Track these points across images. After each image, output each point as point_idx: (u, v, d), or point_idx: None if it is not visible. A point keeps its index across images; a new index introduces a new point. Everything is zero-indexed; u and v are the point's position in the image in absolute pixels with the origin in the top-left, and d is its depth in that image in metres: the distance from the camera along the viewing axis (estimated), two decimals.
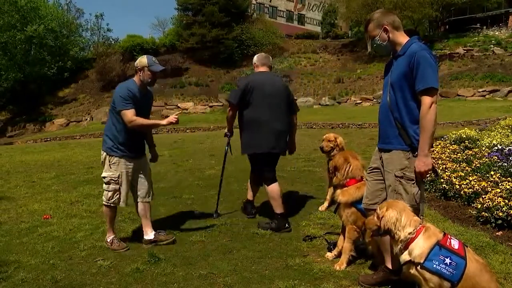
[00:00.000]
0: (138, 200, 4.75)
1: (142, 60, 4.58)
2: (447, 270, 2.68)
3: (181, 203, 6.37)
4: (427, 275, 2.72)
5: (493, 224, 4.76)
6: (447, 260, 2.70)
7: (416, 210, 3.16)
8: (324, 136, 5.72)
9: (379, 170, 3.44)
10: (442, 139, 9.88)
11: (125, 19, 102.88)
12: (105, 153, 4.61)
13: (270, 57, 5.58)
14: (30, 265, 4.19)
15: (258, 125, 5.13)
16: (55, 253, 4.50)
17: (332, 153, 5.48)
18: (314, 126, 23.19)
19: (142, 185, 4.74)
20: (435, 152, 7.95)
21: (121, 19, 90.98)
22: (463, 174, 6.09)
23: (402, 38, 3.28)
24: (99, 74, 42.05)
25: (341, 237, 4.10)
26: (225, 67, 41.42)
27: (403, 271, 2.92)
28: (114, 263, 4.18)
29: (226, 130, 5.73)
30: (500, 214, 4.68)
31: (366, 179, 3.61)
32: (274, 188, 5.25)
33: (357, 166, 3.99)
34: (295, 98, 5.84)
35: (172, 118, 4.54)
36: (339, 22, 51.89)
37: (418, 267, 2.75)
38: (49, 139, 26.65)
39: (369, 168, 3.56)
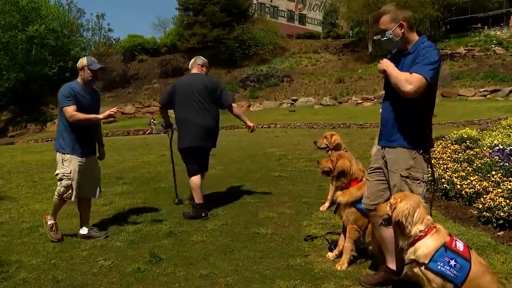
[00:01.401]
0: (84, 196, 5.03)
1: (82, 60, 4.88)
2: (451, 272, 2.67)
3: (181, 203, 6.37)
4: (431, 275, 2.71)
5: (495, 224, 4.75)
6: (452, 262, 2.69)
7: None
8: (324, 134, 5.85)
9: (381, 170, 3.42)
10: (443, 139, 9.87)
11: (126, 19, 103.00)
12: (57, 151, 4.88)
13: (202, 57, 6.07)
14: (31, 265, 4.19)
15: (187, 124, 5.73)
16: (56, 253, 4.50)
17: (328, 152, 5.51)
18: (315, 126, 23.22)
19: (91, 183, 5.01)
20: (436, 152, 7.95)
21: (122, 19, 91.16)
22: (464, 174, 6.09)
23: (415, 37, 3.26)
24: (100, 74, 42.03)
25: (342, 237, 4.10)
26: (226, 67, 41.47)
27: (405, 269, 2.91)
28: (115, 263, 4.18)
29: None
30: (502, 214, 4.67)
31: (367, 179, 3.58)
32: (195, 180, 5.81)
33: (357, 166, 4.00)
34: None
35: (108, 112, 4.82)
36: (340, 22, 51.89)
37: (422, 268, 2.74)
38: (50, 139, 26.69)
39: (370, 168, 3.54)
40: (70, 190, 4.79)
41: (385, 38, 3.25)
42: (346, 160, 3.99)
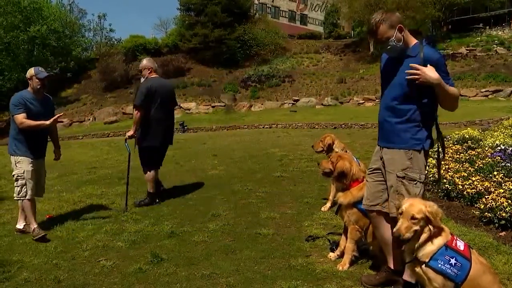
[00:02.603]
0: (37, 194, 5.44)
1: (30, 71, 5.28)
2: (451, 270, 2.67)
3: (183, 203, 6.37)
4: (431, 274, 2.71)
5: (496, 225, 4.74)
6: (452, 261, 2.68)
7: None
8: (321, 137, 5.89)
9: (380, 171, 3.43)
10: (445, 139, 9.85)
11: (127, 19, 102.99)
12: (10, 155, 5.28)
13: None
14: (33, 265, 4.20)
15: (160, 123, 6.32)
16: (58, 253, 4.52)
17: (328, 154, 5.51)
18: (316, 127, 23.17)
19: (37, 184, 5.37)
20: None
21: (123, 20, 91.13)
22: (466, 174, 6.08)
23: (412, 39, 3.27)
24: (101, 75, 42.09)
25: (343, 237, 4.10)
26: (227, 67, 41.43)
27: (407, 268, 2.90)
28: (116, 263, 4.19)
29: (132, 132, 6.38)
30: (503, 214, 4.66)
31: (367, 180, 3.58)
32: (152, 174, 6.43)
33: (358, 167, 4.00)
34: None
35: (52, 119, 5.20)
36: (342, 22, 51.82)
37: (423, 266, 2.74)
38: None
39: (369, 169, 3.54)
40: (25, 189, 5.16)
41: (389, 47, 3.23)
42: (346, 161, 3.98)
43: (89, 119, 37.09)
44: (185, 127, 28.02)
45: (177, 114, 35.76)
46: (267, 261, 4.10)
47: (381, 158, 3.39)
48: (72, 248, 4.65)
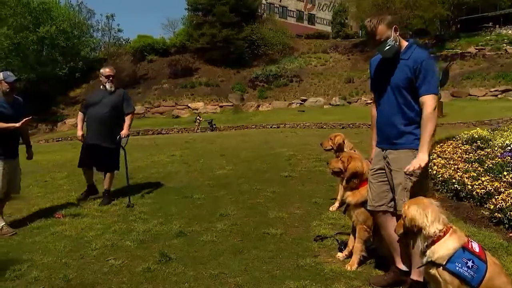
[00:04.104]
0: (9, 193, 5.60)
1: None
2: (468, 273, 2.63)
3: (192, 203, 6.38)
4: (448, 277, 2.66)
5: (506, 225, 4.71)
6: (470, 263, 2.64)
7: None
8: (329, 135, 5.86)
9: (383, 171, 3.43)
10: (454, 139, 9.80)
11: (135, 19, 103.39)
12: None
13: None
14: (43, 264, 4.22)
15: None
16: (67, 252, 4.54)
17: (338, 153, 5.47)
18: (324, 126, 23.18)
19: (15, 182, 5.63)
20: (446, 152, 7.90)
21: (131, 20, 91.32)
22: (475, 174, 6.04)
23: (403, 40, 3.33)
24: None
25: (352, 237, 4.08)
26: (235, 67, 41.47)
27: (415, 268, 2.88)
28: (125, 262, 4.20)
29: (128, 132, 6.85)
30: None
31: (370, 181, 3.57)
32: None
33: (368, 167, 3.96)
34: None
35: (21, 122, 5.37)
36: (350, 21, 51.68)
37: (440, 269, 2.70)
38: (60, 139, 26.89)
39: (373, 169, 3.54)
40: None
41: (388, 47, 3.24)
42: (358, 161, 3.96)
43: None
44: (213, 126, 28.03)
45: (186, 114, 35.92)
46: (276, 261, 4.10)
47: (385, 158, 3.40)
48: (81, 247, 4.67)
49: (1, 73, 5.50)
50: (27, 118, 5.47)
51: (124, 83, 41.07)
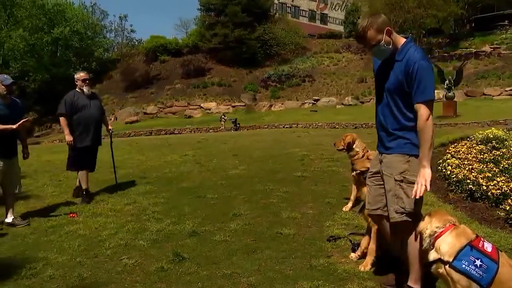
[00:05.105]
0: (7, 191, 5.86)
1: None
2: (476, 272, 2.61)
3: (205, 203, 6.40)
4: (455, 275, 2.66)
5: None
6: (478, 262, 2.63)
7: (417, 215, 3.14)
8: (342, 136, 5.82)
9: (380, 175, 3.37)
10: (468, 139, 9.71)
11: (148, 20, 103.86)
12: None
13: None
14: (58, 262, 4.27)
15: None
16: (81, 251, 4.58)
17: (349, 153, 5.46)
18: (337, 126, 23.07)
19: (11, 180, 5.82)
20: (460, 152, 7.83)
21: (144, 20, 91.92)
22: (490, 175, 5.98)
23: (400, 40, 3.19)
24: (123, 75, 42.51)
25: (366, 237, 4.06)
26: (247, 67, 41.48)
27: (431, 270, 2.87)
28: (139, 261, 4.22)
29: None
30: None
31: (368, 184, 3.51)
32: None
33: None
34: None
35: (18, 123, 5.60)
36: None
37: (447, 266, 2.70)
38: None
39: (370, 172, 3.49)
40: None
41: (380, 51, 3.15)
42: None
43: (111, 119, 37.44)
44: (238, 125, 28.01)
45: (198, 114, 36.03)
46: (289, 261, 4.09)
47: (381, 162, 3.34)
48: (95, 247, 4.71)
49: None
50: (23, 120, 5.72)
51: (137, 84, 41.39)
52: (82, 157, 6.93)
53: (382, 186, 3.33)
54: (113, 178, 7.88)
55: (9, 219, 5.72)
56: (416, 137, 3.12)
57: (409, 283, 3.27)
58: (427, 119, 2.99)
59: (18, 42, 38.30)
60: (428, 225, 2.89)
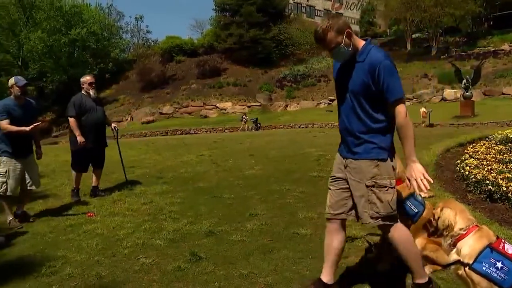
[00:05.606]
0: (24, 188, 6.02)
1: (11, 80, 5.90)
2: (497, 274, 2.57)
3: (221, 203, 6.41)
4: (476, 277, 2.62)
5: None
6: (499, 264, 2.58)
7: (393, 218, 3.11)
8: None
9: (344, 179, 3.26)
10: (487, 139, 9.58)
11: (164, 20, 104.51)
12: None
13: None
14: (76, 261, 4.32)
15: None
16: (99, 250, 4.62)
17: None
18: None
19: (28, 178, 6.00)
20: (479, 153, 7.73)
21: (160, 21, 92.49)
22: (510, 175, 5.89)
23: (360, 42, 3.13)
24: (139, 75, 42.85)
25: (382, 238, 4.02)
26: (263, 67, 41.53)
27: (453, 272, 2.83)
28: (156, 261, 4.24)
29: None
30: None
31: (329, 188, 3.39)
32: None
33: (401, 166, 3.87)
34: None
35: (31, 126, 5.71)
36: (378, 20, 51.14)
37: (467, 268, 2.66)
38: None
39: (332, 177, 3.37)
40: (6, 186, 5.73)
41: (339, 53, 3.08)
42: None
43: (127, 119, 37.80)
44: (259, 124, 27.97)
45: (214, 114, 36.17)
46: (305, 261, 4.08)
47: (345, 167, 3.24)
48: (113, 246, 4.74)
49: (13, 77, 5.95)
50: (36, 124, 5.84)
51: (153, 84, 41.65)
52: (87, 158, 7.16)
53: (346, 190, 3.24)
54: (130, 178, 7.95)
55: (10, 216, 5.86)
56: (383, 140, 3.08)
57: (416, 280, 3.22)
58: (406, 115, 2.98)
59: (36, 44, 38.92)
60: (452, 222, 2.81)
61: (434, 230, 2.96)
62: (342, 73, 3.22)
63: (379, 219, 3.09)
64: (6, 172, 5.72)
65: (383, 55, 3.01)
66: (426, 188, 2.94)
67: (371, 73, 2.98)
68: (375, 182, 3.07)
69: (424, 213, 3.63)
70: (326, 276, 3.37)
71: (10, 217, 5.79)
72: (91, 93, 7.24)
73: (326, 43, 3.04)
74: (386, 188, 3.08)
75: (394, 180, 3.16)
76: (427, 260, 3.72)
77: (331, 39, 3.01)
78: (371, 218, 3.10)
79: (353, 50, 3.08)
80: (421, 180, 2.93)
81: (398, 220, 3.18)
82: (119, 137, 8.05)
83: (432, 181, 2.98)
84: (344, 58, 3.11)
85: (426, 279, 3.21)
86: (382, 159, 3.08)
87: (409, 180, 3.00)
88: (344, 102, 3.20)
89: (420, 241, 3.79)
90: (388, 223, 3.12)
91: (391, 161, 3.16)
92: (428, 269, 3.67)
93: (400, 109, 2.97)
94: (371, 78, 2.98)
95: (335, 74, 3.35)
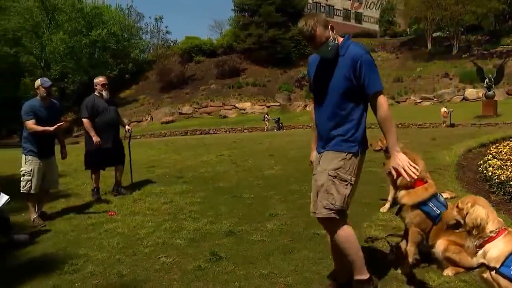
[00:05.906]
0: (44, 188, 6.10)
1: (37, 82, 6.01)
2: None
3: (241, 202, 6.41)
4: (503, 281, 2.55)
5: None
6: None
7: (343, 214, 3.13)
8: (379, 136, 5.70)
9: None
10: (511, 139, 9.41)
11: (183, 21, 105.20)
12: (22, 153, 5.96)
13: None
14: (98, 259, 4.36)
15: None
16: (120, 249, 4.66)
17: (386, 154, 5.36)
18: (372, 126, 22.62)
19: (49, 178, 6.09)
20: (503, 153, 7.60)
21: (179, 22, 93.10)
22: None
23: (339, 37, 3.15)
24: (158, 75, 43.15)
25: (404, 240, 3.96)
26: (282, 67, 41.49)
27: (476, 274, 2.77)
28: (176, 260, 4.26)
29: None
30: None
31: (312, 184, 3.35)
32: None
33: (423, 166, 3.82)
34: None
35: (55, 126, 5.82)
36: (398, 19, 50.66)
37: (493, 272, 2.60)
38: None
39: (314, 174, 3.34)
40: (30, 184, 5.82)
41: (330, 47, 3.07)
42: (411, 155, 3.80)
43: (147, 119, 38.11)
44: (281, 124, 27.94)
45: (233, 114, 36.26)
46: (326, 261, 4.04)
47: (319, 162, 3.25)
48: (133, 245, 4.78)
49: (39, 79, 6.05)
50: (59, 124, 5.96)
51: (173, 84, 41.91)
52: (101, 158, 7.21)
53: None
54: (150, 178, 8.01)
55: (34, 214, 5.95)
56: (355, 134, 3.11)
57: (357, 277, 3.26)
58: (388, 108, 3.03)
59: (58, 45, 39.52)
60: (484, 222, 2.72)
61: (456, 225, 2.87)
62: (322, 71, 3.22)
63: (332, 211, 3.08)
64: (31, 170, 5.82)
65: (363, 50, 3.08)
66: (415, 174, 2.97)
67: (353, 67, 3.01)
68: (338, 174, 3.08)
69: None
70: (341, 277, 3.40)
71: (34, 215, 5.88)
72: (104, 94, 7.32)
73: (316, 39, 3.04)
74: (347, 183, 3.11)
75: (354, 178, 3.17)
76: (450, 261, 3.67)
77: (320, 35, 3.03)
78: (325, 208, 3.09)
79: (338, 43, 3.12)
80: (407, 167, 2.95)
81: (346, 219, 3.22)
82: (131, 139, 8.16)
83: (419, 168, 3.04)
84: (332, 52, 3.11)
85: (368, 276, 3.26)
86: (352, 153, 3.11)
87: (395, 170, 3.02)
88: (321, 98, 3.22)
89: (442, 243, 3.74)
90: (337, 217, 3.11)
91: (360, 159, 3.19)
92: (450, 271, 3.63)
93: (382, 101, 3.03)
94: (353, 72, 3.02)
95: (312, 72, 3.36)
